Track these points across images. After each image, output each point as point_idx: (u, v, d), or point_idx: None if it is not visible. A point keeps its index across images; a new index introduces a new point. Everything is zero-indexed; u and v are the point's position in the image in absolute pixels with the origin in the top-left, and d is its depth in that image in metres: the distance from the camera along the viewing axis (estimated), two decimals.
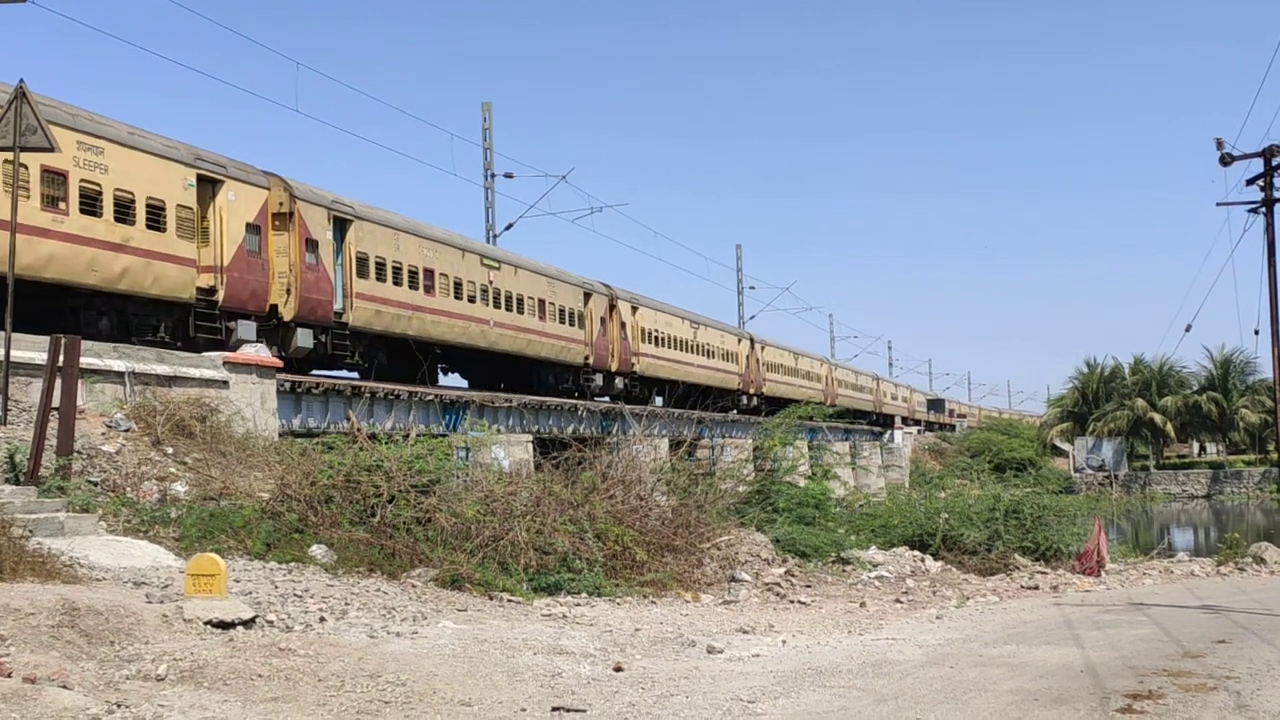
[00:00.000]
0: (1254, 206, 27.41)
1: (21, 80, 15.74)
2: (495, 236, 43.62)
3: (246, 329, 23.85)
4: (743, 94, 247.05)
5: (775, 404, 60.04)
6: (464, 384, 36.32)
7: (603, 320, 41.83)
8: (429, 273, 30.43)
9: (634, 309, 44.47)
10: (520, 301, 35.45)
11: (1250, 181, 27.27)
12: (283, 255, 25.13)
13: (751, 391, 58.68)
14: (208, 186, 23.31)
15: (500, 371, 36.49)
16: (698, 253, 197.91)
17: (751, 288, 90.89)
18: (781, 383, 63.90)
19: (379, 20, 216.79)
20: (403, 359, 30.26)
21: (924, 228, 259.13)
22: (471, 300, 32.63)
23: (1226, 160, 26.82)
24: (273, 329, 25.05)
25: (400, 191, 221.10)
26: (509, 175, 46.31)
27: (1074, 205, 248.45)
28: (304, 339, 25.34)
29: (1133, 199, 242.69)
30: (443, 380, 35.40)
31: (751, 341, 59.77)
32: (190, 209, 22.54)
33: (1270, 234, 27.18)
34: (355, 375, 29.70)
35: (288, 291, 25.10)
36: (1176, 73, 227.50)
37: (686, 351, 49.74)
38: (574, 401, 38.31)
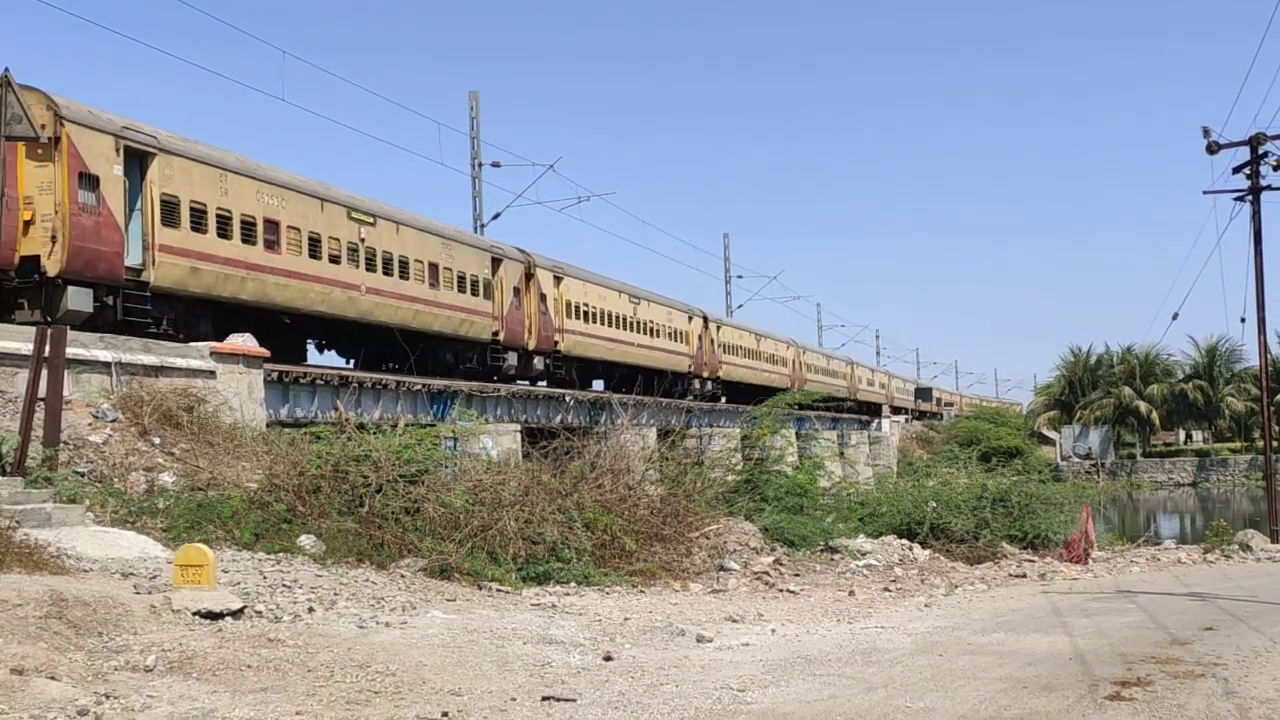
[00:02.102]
0: (1240, 194, 27.56)
1: (6, 69, 15.66)
2: (483, 225, 43.56)
3: None
4: (732, 83, 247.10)
5: (734, 390, 57.19)
6: (341, 362, 31.75)
7: (516, 290, 36.50)
8: (272, 224, 25.14)
9: (557, 279, 39.35)
10: (404, 265, 30.24)
11: (1237, 170, 27.42)
12: (45, 193, 19.83)
13: (705, 375, 53.76)
14: None
15: (388, 348, 31.44)
16: (686, 242, 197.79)
17: (739, 277, 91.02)
18: (741, 366, 59.16)
19: (366, 9, 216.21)
20: (238, 329, 24.35)
21: (912, 218, 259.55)
22: (335, 260, 27.30)
23: (1213, 149, 26.97)
24: (33, 288, 20.05)
25: (388, 180, 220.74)
26: (496, 164, 45.64)
27: (1062, 194, 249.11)
28: (79, 300, 20.29)
29: (1120, 188, 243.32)
30: (317, 359, 30.75)
31: (705, 320, 54.30)
32: None
33: (1256, 221, 27.33)
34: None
35: (53, 240, 19.88)
36: (1163, 62, 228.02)
37: (624, 329, 44.45)
38: (561, 391, 38.19)
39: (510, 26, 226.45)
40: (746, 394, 57.18)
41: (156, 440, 16.83)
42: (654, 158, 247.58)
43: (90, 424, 16.52)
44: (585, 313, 41.06)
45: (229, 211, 23.87)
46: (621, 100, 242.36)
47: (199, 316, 23.85)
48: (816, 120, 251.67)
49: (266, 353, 22.58)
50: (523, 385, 36.95)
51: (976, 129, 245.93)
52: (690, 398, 49.85)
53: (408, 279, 30.30)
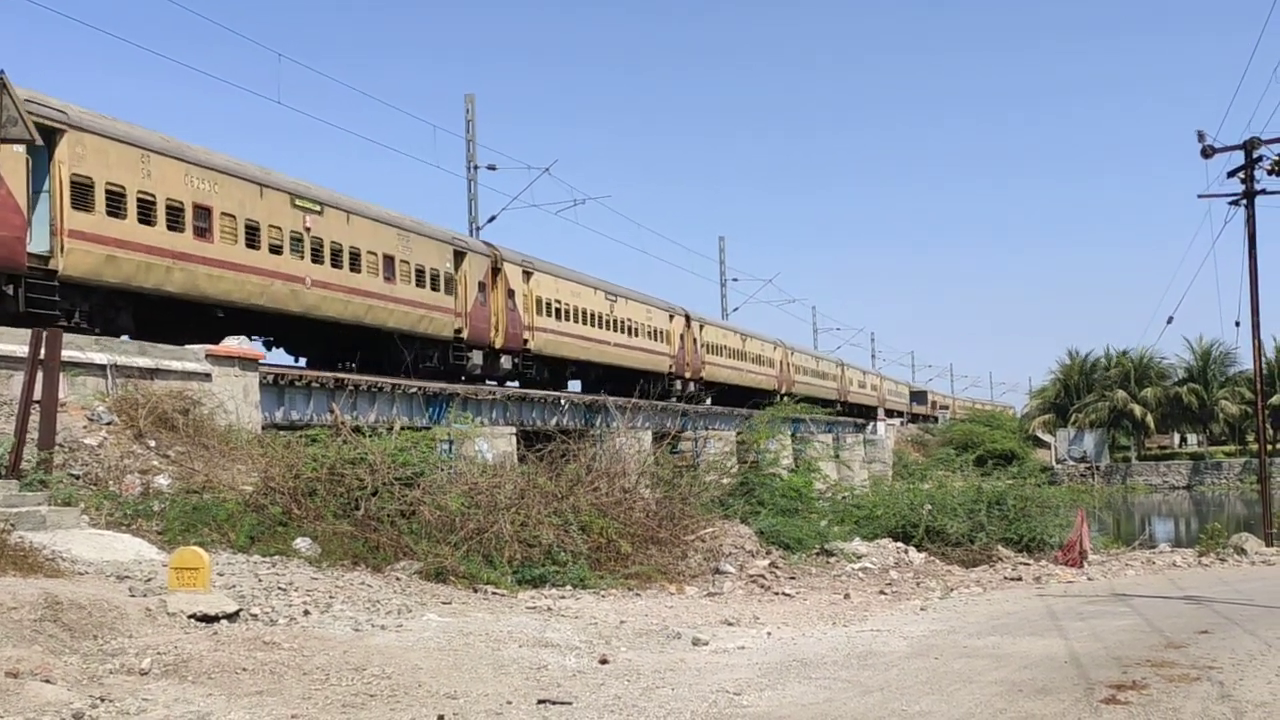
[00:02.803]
0: (1235, 199, 27.59)
1: (2, 71, 15.62)
2: (478, 228, 43.54)
3: None
4: (727, 86, 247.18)
5: (718, 391, 55.95)
6: (291, 360, 29.67)
7: (482, 286, 34.48)
8: (203, 210, 23.25)
9: (527, 274, 37.38)
10: (356, 256, 28.25)
11: (1231, 174, 27.44)
12: None
13: (688, 376, 51.72)
14: None
15: (339, 344, 29.61)
16: (681, 245, 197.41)
17: (734, 280, 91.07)
18: (725, 366, 57.21)
19: (361, 11, 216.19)
20: (165, 323, 23.09)
21: (909, 220, 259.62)
22: (276, 250, 25.37)
23: (1208, 153, 26.99)
24: None
25: (383, 183, 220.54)
26: (492, 167, 45.52)
27: (1057, 196, 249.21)
28: None
29: (1118, 189, 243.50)
30: (268, 358, 27.15)
31: (687, 319, 52.22)
32: None
33: (1251, 226, 27.35)
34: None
35: None
36: (1161, 62, 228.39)
37: (600, 328, 42.56)
38: (557, 394, 38.14)
39: (506, 29, 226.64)
40: (731, 396, 56.59)
41: (152, 443, 16.81)
42: (649, 161, 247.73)
43: (85, 426, 16.51)
44: (557, 310, 39.27)
45: (152, 195, 21.98)
46: (617, 103, 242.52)
47: (118, 309, 22.06)
48: (814, 122, 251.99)
49: (262, 355, 22.57)
50: (491, 385, 35.24)
51: (975, 130, 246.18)
52: (673, 399, 48.52)
53: (359, 272, 28.42)
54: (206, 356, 20.63)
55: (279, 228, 25.54)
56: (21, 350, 15.48)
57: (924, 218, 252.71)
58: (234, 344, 21.77)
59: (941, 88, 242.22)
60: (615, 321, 44.11)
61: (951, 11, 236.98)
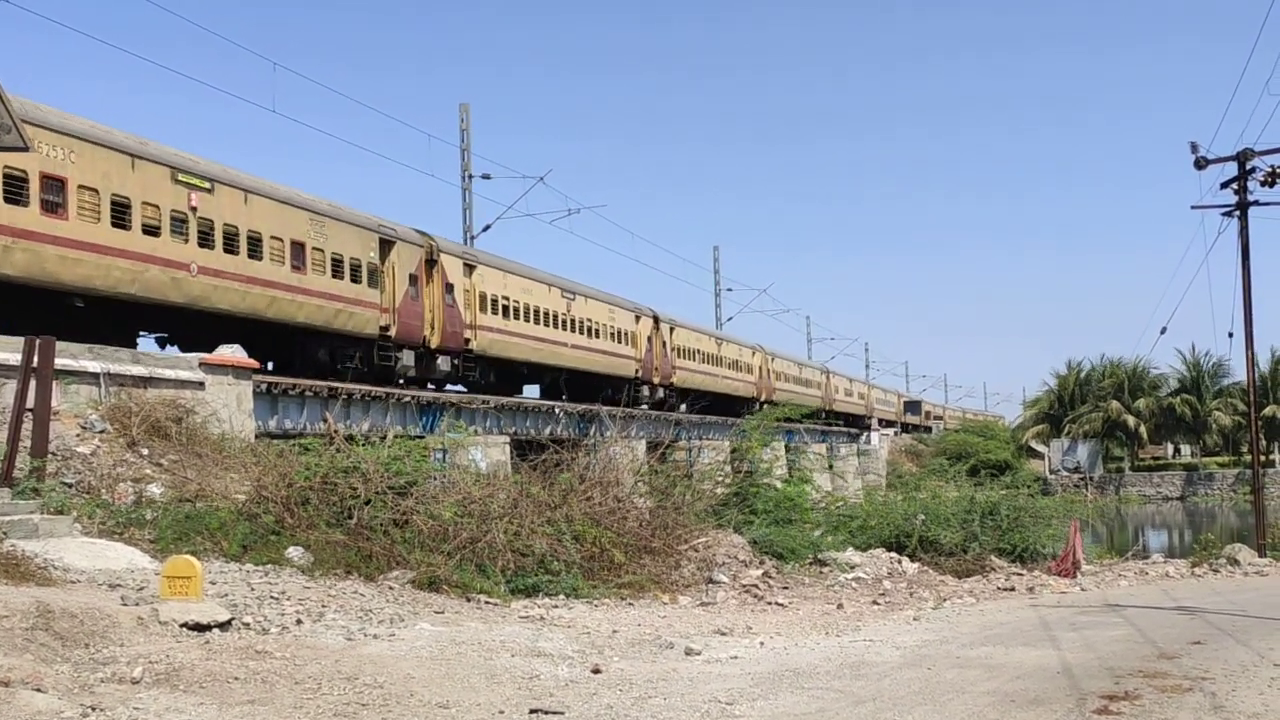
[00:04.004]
0: (1228, 210, 27.67)
1: None
2: (473, 238, 43.55)
3: None
4: (722, 95, 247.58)
5: (694, 398, 53.47)
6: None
7: (414, 278, 31.24)
8: (54, 182, 20.13)
9: (469, 268, 34.40)
10: (256, 241, 25.06)
11: (1225, 185, 27.52)
12: None
13: (656, 381, 49.29)
14: None
15: (239, 341, 24.16)
16: (676, 255, 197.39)
17: (729, 290, 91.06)
18: (698, 372, 54.81)
19: (357, 20, 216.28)
20: (12, 313, 19.86)
21: (901, 229, 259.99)
22: (153, 232, 22.23)
23: (1201, 164, 27.08)
24: None
25: (378, 191, 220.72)
26: (486, 176, 45.54)
27: (1052, 204, 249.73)
28: None
29: (1112, 198, 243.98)
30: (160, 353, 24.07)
31: (655, 321, 49.54)
32: None
33: (1244, 237, 27.43)
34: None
35: None
36: (1160, 68, 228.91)
37: (555, 327, 39.81)
38: (551, 402, 38.05)
39: (501, 39, 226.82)
40: (707, 404, 54.44)
41: (144, 451, 16.78)
42: (645, 170, 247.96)
43: (78, 435, 16.48)
44: (505, 307, 36.27)
45: None
46: (613, 112, 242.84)
47: None
48: (809, 129, 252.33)
49: (256, 364, 22.51)
50: (430, 390, 32.75)
51: (971, 138, 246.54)
52: (644, 406, 46.60)
53: (260, 259, 25.17)
54: (200, 365, 20.62)
55: (156, 206, 22.44)
56: (14, 358, 15.45)
57: (920, 226, 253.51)
58: (228, 353, 21.74)
59: (938, 96, 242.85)
60: (573, 321, 41.47)
61: (949, 18, 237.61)
